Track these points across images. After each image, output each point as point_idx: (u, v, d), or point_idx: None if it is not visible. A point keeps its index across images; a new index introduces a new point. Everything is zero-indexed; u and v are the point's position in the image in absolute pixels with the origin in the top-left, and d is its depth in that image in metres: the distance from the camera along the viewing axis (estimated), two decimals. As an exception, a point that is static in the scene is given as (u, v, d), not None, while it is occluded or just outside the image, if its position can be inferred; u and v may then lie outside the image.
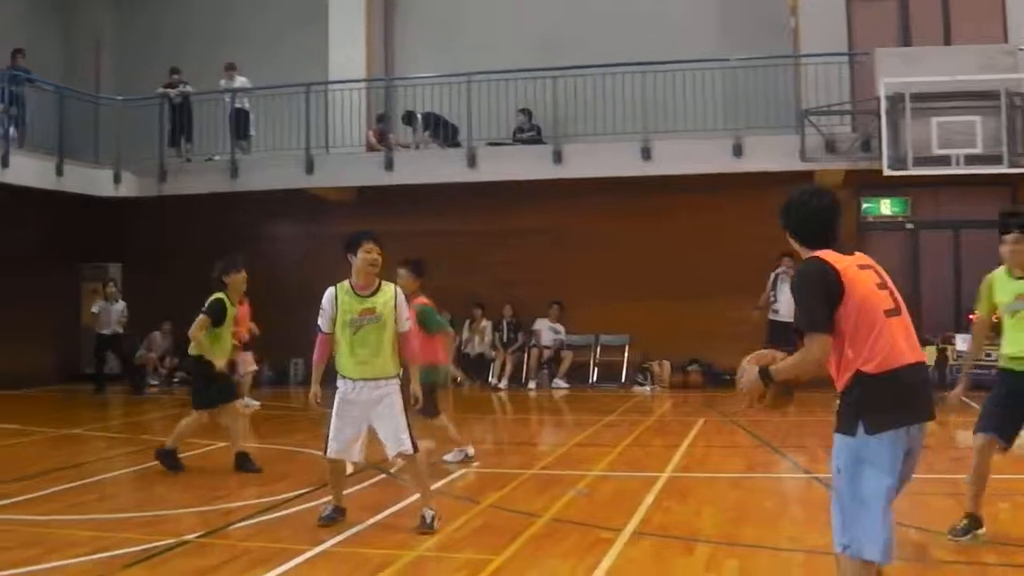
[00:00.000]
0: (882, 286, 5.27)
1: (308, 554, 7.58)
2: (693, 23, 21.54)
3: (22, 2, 23.72)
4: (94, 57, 24.94)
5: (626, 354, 21.26)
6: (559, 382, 20.96)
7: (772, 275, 18.68)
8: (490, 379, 21.31)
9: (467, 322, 21.75)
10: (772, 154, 19.01)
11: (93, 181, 21.76)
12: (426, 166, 20.88)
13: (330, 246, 21.89)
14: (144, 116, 22.12)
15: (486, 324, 21.67)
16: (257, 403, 18.33)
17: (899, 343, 5.13)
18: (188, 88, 22.33)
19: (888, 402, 5.03)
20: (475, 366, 21.65)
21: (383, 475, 10.92)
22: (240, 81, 21.96)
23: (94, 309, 21.31)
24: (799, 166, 18.74)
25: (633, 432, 14.45)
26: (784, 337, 19.09)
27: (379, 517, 8.86)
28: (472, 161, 20.41)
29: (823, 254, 5.24)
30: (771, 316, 18.72)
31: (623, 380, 21.02)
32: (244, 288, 12.36)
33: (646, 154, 19.40)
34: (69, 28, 25.12)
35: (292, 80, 21.49)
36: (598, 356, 21.51)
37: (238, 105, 21.88)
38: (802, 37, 20.40)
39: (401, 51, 23.96)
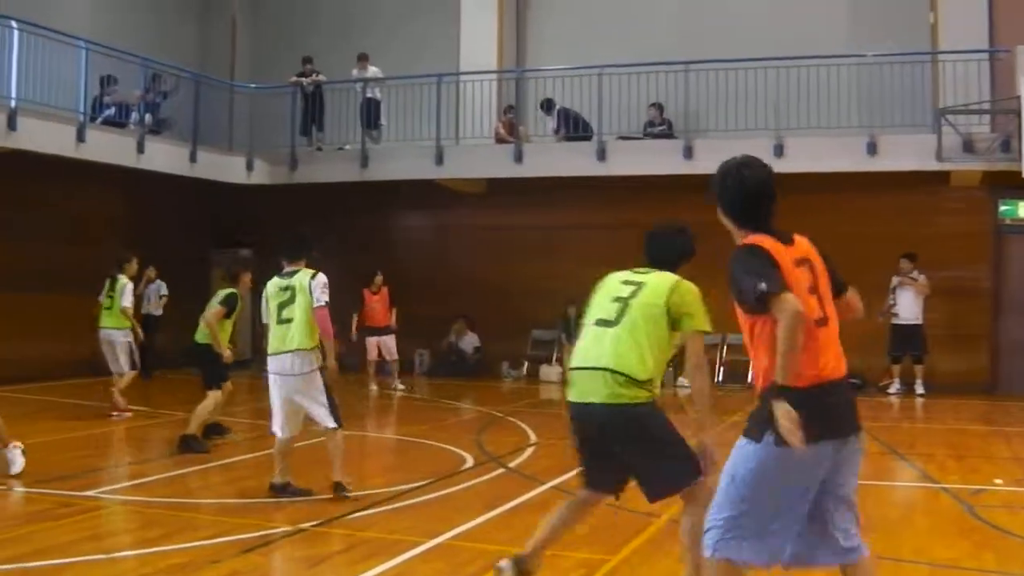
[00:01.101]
0: (813, 290, 4.82)
1: (423, 546, 7.54)
2: (828, 17, 21.04)
3: (160, -8, 24.22)
4: (229, 45, 25.31)
5: (752, 354, 20.83)
6: (682, 380, 20.66)
7: (894, 279, 18.35)
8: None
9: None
10: (907, 153, 18.55)
11: (226, 168, 22.07)
12: (555, 159, 20.75)
13: (458, 237, 22.31)
14: (277, 104, 22.38)
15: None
16: (403, 386, 18.53)
17: (825, 357, 4.72)
18: (320, 77, 22.52)
19: (804, 418, 4.48)
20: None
21: (501, 469, 10.87)
22: (372, 71, 22.09)
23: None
24: (934, 166, 18.28)
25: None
26: (909, 342, 18.77)
27: (495, 512, 8.80)
28: (602, 155, 20.23)
29: (761, 240, 4.81)
30: (893, 321, 18.39)
31: (749, 380, 20.59)
32: (250, 287, 13.02)
33: (778, 151, 19.01)
34: (205, 17, 25.53)
35: (422, 70, 21.55)
36: (724, 355, 21.20)
37: (369, 95, 22.00)
38: (941, 33, 19.88)
39: (533, 42, 23.88)
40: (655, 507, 8.90)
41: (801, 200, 19.60)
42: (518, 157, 20.76)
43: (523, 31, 23.98)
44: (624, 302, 5.94)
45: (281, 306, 9.28)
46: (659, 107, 20.85)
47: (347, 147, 22.14)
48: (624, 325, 5.88)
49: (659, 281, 6.04)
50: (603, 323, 5.97)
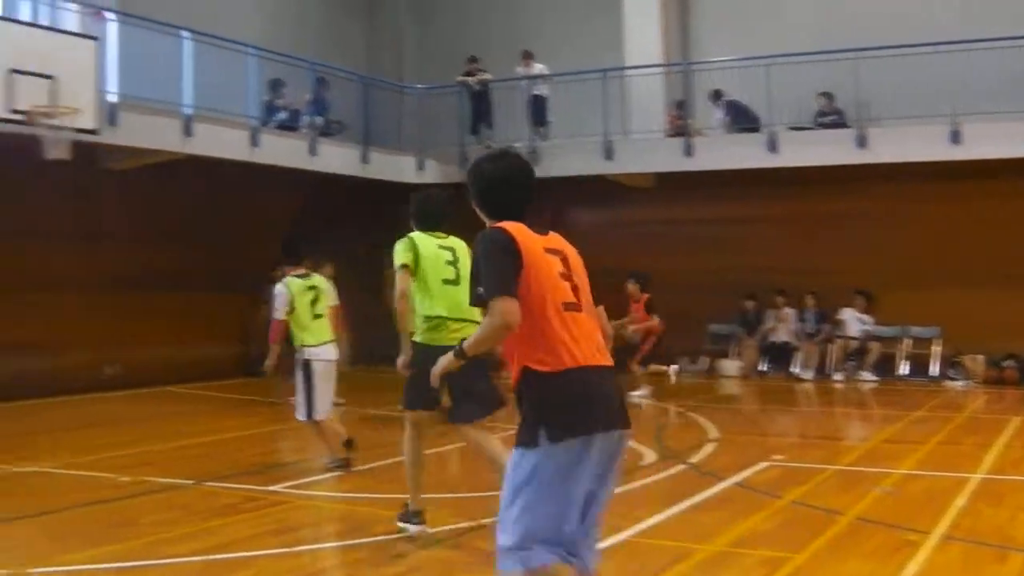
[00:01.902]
0: (565, 276, 4.70)
1: (605, 543, 7.40)
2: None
3: (330, -6, 24.65)
4: (396, 47, 25.61)
5: (936, 347, 20.25)
6: (866, 374, 20.20)
7: None
8: (792, 369, 20.71)
9: (768, 311, 21.32)
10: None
11: (397, 168, 22.32)
12: (725, 151, 20.47)
13: (630, 232, 22.18)
14: (445, 104, 22.55)
15: (789, 312, 21.10)
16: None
17: (575, 341, 4.52)
18: (487, 76, 22.61)
19: (567, 406, 4.43)
20: (778, 355, 21.14)
21: (682, 465, 10.75)
22: (538, 68, 22.10)
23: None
24: None
25: (943, 429, 13.79)
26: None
27: (677, 508, 8.67)
28: (773, 146, 19.88)
29: (507, 225, 4.72)
30: None
31: (933, 374, 20.10)
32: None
33: (955, 137, 18.48)
34: (371, 19, 25.89)
35: (588, 66, 21.46)
36: (907, 348, 20.66)
37: (536, 92, 22.01)
38: None
39: (698, 34, 23.64)
40: (839, 505, 8.74)
41: (987, 185, 19.24)
42: (688, 151, 20.54)
43: (688, 23, 23.77)
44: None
45: (312, 303, 10.78)
46: (829, 96, 20.41)
47: (516, 144, 22.16)
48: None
49: None
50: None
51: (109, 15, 16.94)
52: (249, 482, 10.04)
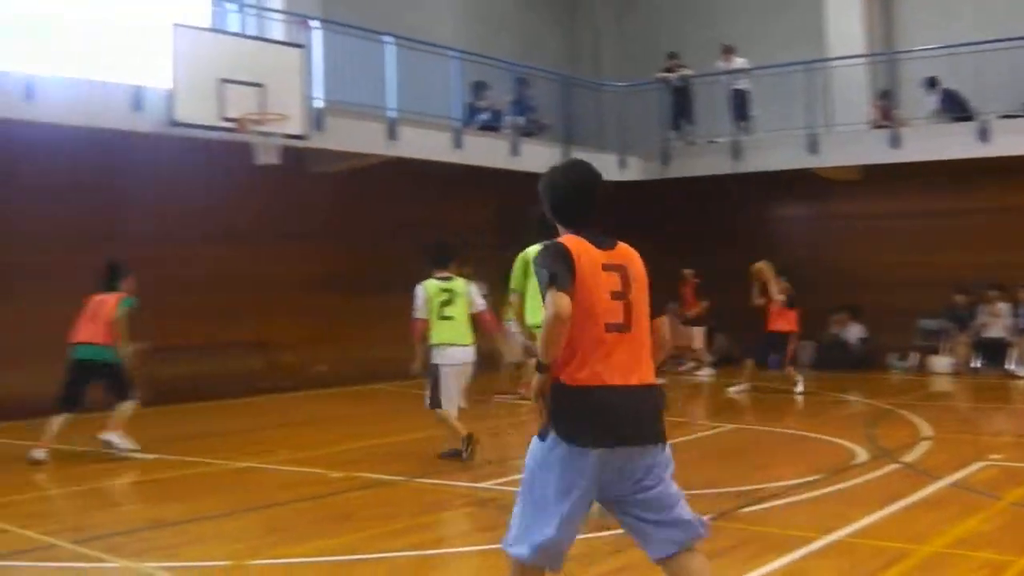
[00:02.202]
0: (619, 295, 4.85)
1: (819, 543, 7.37)
2: None
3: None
4: (595, 45, 25.65)
5: None
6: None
7: None
8: (1008, 366, 20.02)
9: (981, 306, 20.67)
10: None
11: (598, 166, 22.03)
12: (934, 142, 19.89)
13: (836, 226, 21.81)
14: (645, 101, 22.50)
15: (1003, 307, 20.40)
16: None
17: (608, 360, 4.72)
18: (687, 71, 22.48)
19: (581, 418, 4.68)
20: (991, 351, 20.47)
21: (895, 464, 10.53)
22: (738, 62, 21.87)
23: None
24: None
25: None
26: None
27: (891, 508, 8.48)
28: (984, 135, 19.25)
29: (568, 240, 4.91)
30: None
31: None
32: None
33: None
34: (571, 19, 26.00)
35: (788, 58, 21.14)
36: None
37: (737, 86, 21.79)
38: None
39: (902, 20, 23.07)
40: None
41: None
42: (895, 142, 20.05)
43: (891, 9, 23.24)
44: None
45: (443, 304, 11.12)
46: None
47: (718, 140, 22.01)
48: None
49: None
50: None
51: (313, 23, 17.38)
52: (459, 479, 10.20)
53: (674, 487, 4.92)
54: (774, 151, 20.99)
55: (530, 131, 21.04)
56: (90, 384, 11.70)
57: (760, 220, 22.98)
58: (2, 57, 13.99)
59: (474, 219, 21.13)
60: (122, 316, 11.75)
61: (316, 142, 16.76)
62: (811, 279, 18.90)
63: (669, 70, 22.54)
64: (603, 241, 5.01)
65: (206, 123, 15.02)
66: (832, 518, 8.08)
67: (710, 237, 22.57)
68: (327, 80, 17.24)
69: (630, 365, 4.80)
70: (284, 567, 7.08)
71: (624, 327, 4.82)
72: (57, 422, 11.44)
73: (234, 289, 17.71)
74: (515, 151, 20.15)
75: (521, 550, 4.89)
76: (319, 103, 16.95)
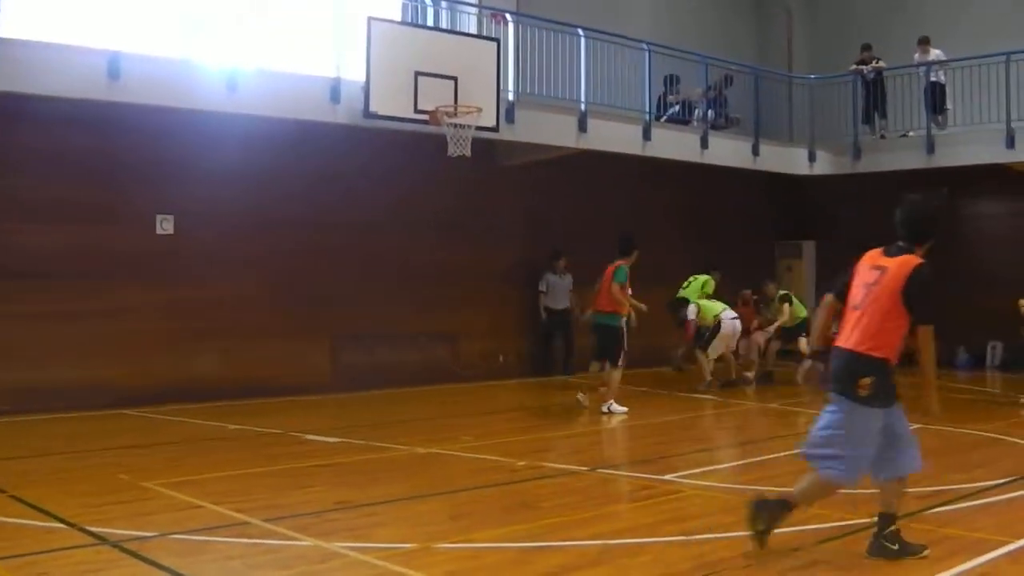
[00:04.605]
0: (869, 285, 6.83)
1: (1010, 547, 7.20)
2: None
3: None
4: (786, 37, 25.33)
5: None
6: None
7: None
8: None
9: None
10: None
11: (788, 160, 22.14)
12: None
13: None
14: (836, 94, 22.14)
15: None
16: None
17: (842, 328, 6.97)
18: (881, 63, 22.02)
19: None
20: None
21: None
22: (934, 54, 21.31)
23: (541, 287, 19.76)
24: None
25: None
26: None
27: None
28: None
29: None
30: None
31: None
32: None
33: None
34: (761, 10, 25.74)
35: (990, 49, 20.49)
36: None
37: (933, 79, 21.25)
38: None
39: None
40: None
41: None
42: (1097, 136, 19.34)
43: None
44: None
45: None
46: None
47: (911, 134, 21.52)
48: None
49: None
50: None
51: (508, 17, 17.55)
52: (643, 470, 10.24)
53: None
54: (970, 146, 20.39)
55: (719, 124, 20.94)
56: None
57: (953, 216, 22.43)
58: (205, 50, 14.51)
59: (659, 212, 21.16)
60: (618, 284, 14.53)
61: (507, 135, 16.97)
62: (1004, 277, 18.43)
63: (863, 62, 22.11)
64: (890, 250, 7.13)
65: (400, 115, 15.33)
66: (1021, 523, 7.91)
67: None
68: (519, 72, 17.41)
69: (849, 332, 6.93)
70: (470, 551, 7.21)
71: (856, 306, 6.93)
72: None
73: (422, 279, 18.06)
74: (704, 144, 20.07)
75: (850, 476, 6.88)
76: (510, 95, 17.13)
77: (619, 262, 14.72)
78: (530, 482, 9.72)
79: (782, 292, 18.92)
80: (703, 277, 18.66)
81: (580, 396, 14.99)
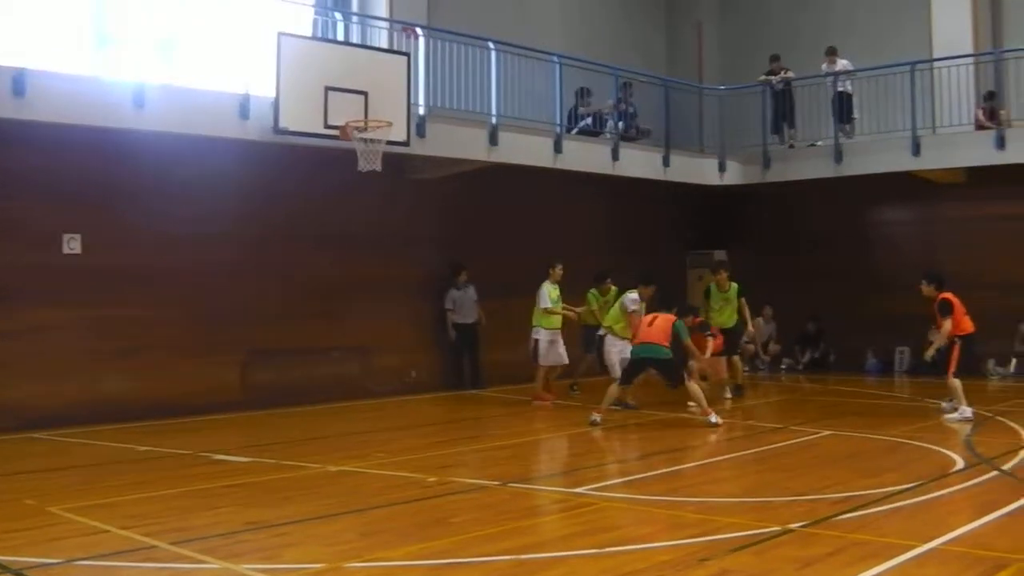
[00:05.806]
0: None
1: (917, 551, 7.29)
2: None
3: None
4: (696, 48, 25.56)
5: None
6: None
7: None
8: None
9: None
10: None
11: (699, 170, 22.32)
12: (1040, 144, 19.58)
13: (938, 230, 21.50)
14: (746, 104, 22.38)
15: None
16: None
17: None
18: (789, 74, 22.30)
19: None
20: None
21: (994, 472, 10.39)
22: (841, 64, 21.63)
23: (447, 304, 19.46)
24: None
25: None
26: None
27: (991, 517, 8.37)
28: (1094, 136, 18.90)
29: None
30: None
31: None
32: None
33: None
34: (672, 22, 25.97)
35: (893, 59, 20.86)
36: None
37: (840, 89, 21.55)
38: None
39: (1010, 20, 22.63)
40: None
41: None
42: (1000, 143, 19.72)
43: (999, 10, 22.79)
44: None
45: None
46: None
47: (819, 143, 21.82)
48: None
49: None
50: None
51: (419, 31, 17.52)
52: (555, 484, 10.25)
53: None
54: (876, 154, 20.77)
55: (630, 136, 21.05)
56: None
57: (861, 224, 22.78)
58: (112, 67, 14.34)
59: (575, 224, 21.22)
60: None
61: (417, 148, 16.92)
62: (911, 282, 18.69)
63: (772, 72, 22.39)
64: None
65: (310, 131, 15.25)
66: (931, 526, 8.01)
67: (809, 241, 22.56)
68: (429, 86, 17.38)
69: None
70: (381, 570, 7.15)
71: None
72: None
73: (334, 294, 17.94)
74: (615, 156, 20.16)
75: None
76: (421, 110, 17.10)
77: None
78: (442, 498, 9.66)
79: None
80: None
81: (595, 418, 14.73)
